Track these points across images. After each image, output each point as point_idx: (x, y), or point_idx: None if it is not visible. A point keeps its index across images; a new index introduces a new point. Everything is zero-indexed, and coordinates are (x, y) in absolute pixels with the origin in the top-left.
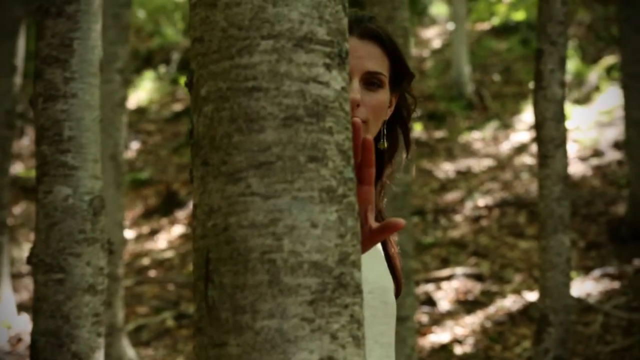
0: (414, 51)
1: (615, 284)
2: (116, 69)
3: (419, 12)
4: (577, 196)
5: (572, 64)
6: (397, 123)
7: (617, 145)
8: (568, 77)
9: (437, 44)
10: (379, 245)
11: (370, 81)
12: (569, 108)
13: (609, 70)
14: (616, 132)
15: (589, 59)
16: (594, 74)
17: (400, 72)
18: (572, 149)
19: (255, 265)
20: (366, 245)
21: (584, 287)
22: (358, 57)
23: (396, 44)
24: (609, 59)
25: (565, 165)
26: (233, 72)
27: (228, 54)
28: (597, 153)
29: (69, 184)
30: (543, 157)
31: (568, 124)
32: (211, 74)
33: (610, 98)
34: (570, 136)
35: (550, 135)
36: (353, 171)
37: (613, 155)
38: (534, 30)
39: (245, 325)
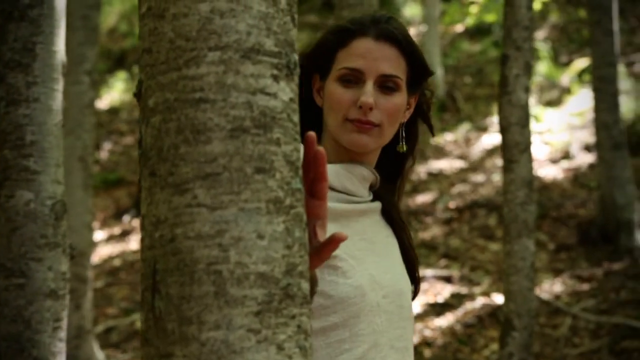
0: None
1: (585, 287)
2: (84, 71)
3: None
4: (547, 199)
5: (545, 66)
6: (418, 115)
7: (588, 148)
8: (540, 80)
9: None
10: (395, 247)
11: (386, 84)
12: (541, 110)
13: (580, 72)
14: (587, 134)
15: (562, 61)
16: (566, 77)
17: (419, 73)
18: (544, 152)
19: (202, 277)
20: (314, 262)
21: (553, 289)
22: (373, 60)
23: (414, 44)
24: (581, 62)
25: (530, 170)
26: (180, 83)
27: (175, 65)
28: (568, 155)
29: (31, 189)
30: (508, 162)
31: (540, 126)
32: (159, 85)
33: (582, 100)
34: (542, 138)
35: (514, 140)
36: (301, 182)
37: (584, 158)
38: None
39: (191, 337)
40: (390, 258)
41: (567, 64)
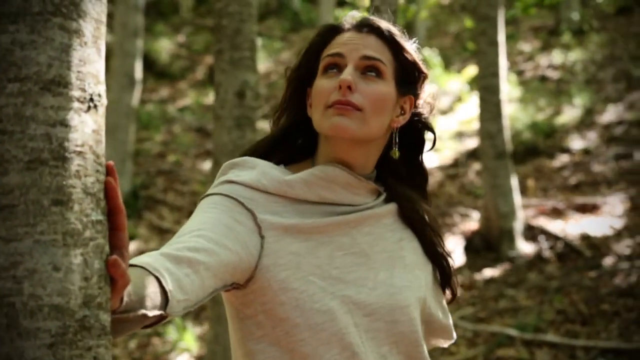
0: (287, 57)
1: (466, 294)
2: None
3: (290, 18)
4: (434, 206)
5: (436, 74)
6: (419, 122)
7: (475, 156)
8: (434, 87)
9: None
10: (410, 251)
11: (368, 69)
12: (433, 118)
13: (471, 80)
14: (475, 142)
15: (455, 68)
16: (457, 84)
17: (408, 70)
18: (433, 159)
19: None
20: (114, 294)
21: None
22: (354, 45)
23: (402, 41)
24: (472, 69)
25: None
26: None
27: None
28: (456, 163)
29: None
30: None
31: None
32: None
33: (471, 108)
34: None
35: None
36: (103, 214)
37: (471, 166)
38: None
39: None
40: (392, 268)
41: (460, 71)
